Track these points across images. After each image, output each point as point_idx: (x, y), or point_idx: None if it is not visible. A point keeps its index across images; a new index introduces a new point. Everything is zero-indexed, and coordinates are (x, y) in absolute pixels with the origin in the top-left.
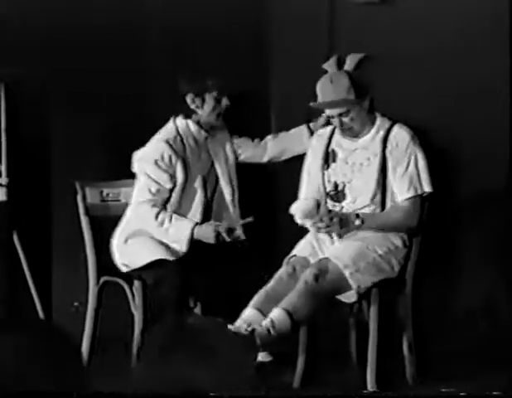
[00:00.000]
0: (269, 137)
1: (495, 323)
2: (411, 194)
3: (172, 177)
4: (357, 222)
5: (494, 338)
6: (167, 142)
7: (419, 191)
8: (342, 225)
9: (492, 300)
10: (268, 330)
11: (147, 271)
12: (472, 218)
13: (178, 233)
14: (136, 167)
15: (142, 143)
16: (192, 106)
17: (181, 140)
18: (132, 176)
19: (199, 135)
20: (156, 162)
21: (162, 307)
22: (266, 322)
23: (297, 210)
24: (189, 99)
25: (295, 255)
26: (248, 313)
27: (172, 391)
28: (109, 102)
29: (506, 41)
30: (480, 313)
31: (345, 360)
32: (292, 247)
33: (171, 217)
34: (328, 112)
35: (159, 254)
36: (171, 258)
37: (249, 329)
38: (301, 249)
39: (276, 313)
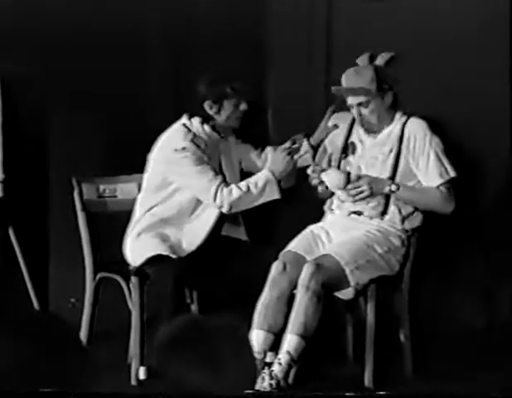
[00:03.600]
0: (269, 149)
1: (492, 321)
2: (441, 181)
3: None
4: (393, 187)
5: (491, 336)
6: (191, 140)
7: (447, 177)
8: (374, 191)
9: (489, 297)
10: (290, 365)
11: (149, 266)
12: (470, 217)
13: (265, 183)
14: (175, 174)
15: (139, 139)
16: (210, 112)
17: (199, 138)
18: (129, 172)
19: (212, 135)
20: (187, 157)
21: (159, 302)
22: (284, 358)
23: (329, 182)
24: (207, 105)
25: (289, 251)
26: (257, 335)
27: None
28: (106, 99)
29: (506, 41)
30: (477, 311)
31: (341, 357)
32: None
33: (246, 181)
34: (349, 101)
35: (159, 249)
36: (169, 253)
37: (266, 360)
38: (297, 244)
39: (290, 342)
